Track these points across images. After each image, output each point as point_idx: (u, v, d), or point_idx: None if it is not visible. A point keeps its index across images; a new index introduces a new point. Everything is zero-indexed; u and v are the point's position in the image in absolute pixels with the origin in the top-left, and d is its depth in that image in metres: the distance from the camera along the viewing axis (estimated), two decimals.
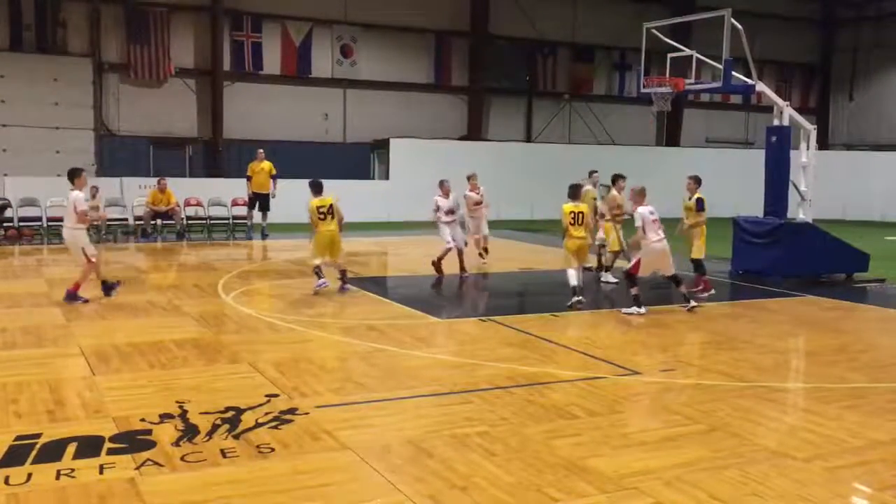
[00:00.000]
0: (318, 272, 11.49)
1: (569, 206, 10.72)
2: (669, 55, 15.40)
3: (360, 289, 12.15)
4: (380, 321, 9.70)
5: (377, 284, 13.18)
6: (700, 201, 11.76)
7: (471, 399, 6.59)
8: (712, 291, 11.78)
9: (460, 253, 13.30)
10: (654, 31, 14.96)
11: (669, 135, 32.09)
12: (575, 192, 10.93)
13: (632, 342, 8.92)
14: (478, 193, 14.53)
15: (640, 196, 10.52)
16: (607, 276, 12.95)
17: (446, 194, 13.33)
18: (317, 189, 11.64)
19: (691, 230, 11.85)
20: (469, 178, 14.71)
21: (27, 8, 23.02)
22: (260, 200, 19.67)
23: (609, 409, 6.41)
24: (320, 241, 11.46)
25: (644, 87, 15.23)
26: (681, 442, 5.67)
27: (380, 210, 24.67)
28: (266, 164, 19.69)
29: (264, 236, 19.38)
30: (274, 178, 19.61)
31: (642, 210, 10.34)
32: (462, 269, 13.31)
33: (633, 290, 10.33)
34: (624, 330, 9.64)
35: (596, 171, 14.04)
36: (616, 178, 13.08)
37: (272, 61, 26.28)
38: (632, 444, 5.60)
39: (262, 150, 20.15)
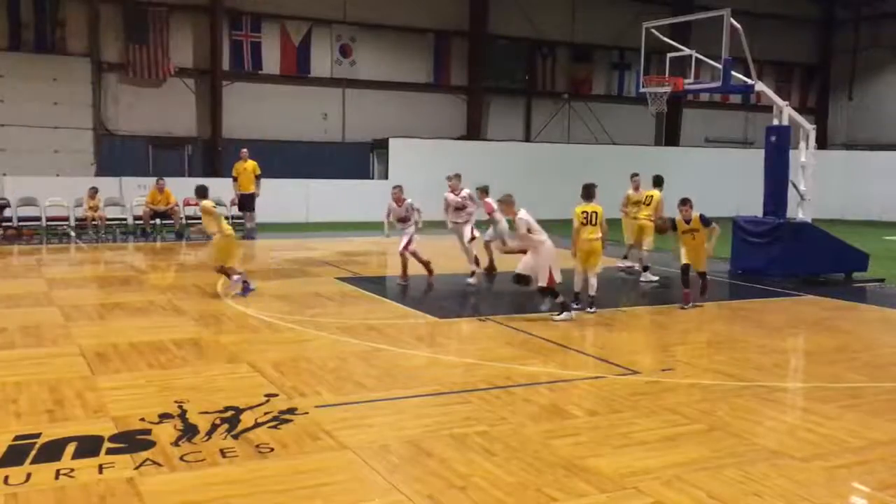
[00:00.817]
0: (243, 279, 11.23)
1: (580, 207, 10.29)
2: (669, 55, 15.43)
3: (358, 288, 12.16)
4: (379, 321, 9.70)
5: (376, 284, 13.19)
6: (704, 216, 11.15)
7: (470, 399, 6.59)
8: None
9: (411, 257, 12.66)
10: (653, 30, 14.97)
11: (669, 134, 32.11)
12: (589, 193, 10.51)
13: (631, 342, 8.92)
14: (458, 196, 12.91)
15: (510, 205, 10.14)
16: (647, 275, 13.24)
17: (396, 201, 12.56)
18: (205, 193, 11.63)
19: (694, 245, 11.20)
20: (448, 179, 13.13)
21: (26, 7, 23.03)
22: (244, 201, 19.38)
23: (608, 409, 6.41)
24: (234, 243, 11.40)
25: (643, 86, 15.26)
26: (680, 441, 5.67)
27: (379, 210, 24.63)
28: (250, 164, 19.38)
29: (251, 238, 19.15)
30: (258, 177, 19.36)
31: (523, 214, 9.90)
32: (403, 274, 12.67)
33: (558, 300, 9.88)
34: (623, 329, 9.64)
35: (637, 174, 14.27)
36: (661, 180, 13.74)
37: (271, 61, 26.29)
38: (631, 444, 5.60)
39: (245, 150, 19.90)
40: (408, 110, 28.03)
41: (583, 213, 10.35)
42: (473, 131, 28.94)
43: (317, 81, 26.98)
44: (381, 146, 26.67)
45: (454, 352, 8.26)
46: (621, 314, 10.48)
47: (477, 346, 8.55)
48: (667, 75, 15.20)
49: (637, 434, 5.81)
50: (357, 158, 27.22)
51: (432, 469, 5.08)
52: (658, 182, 13.73)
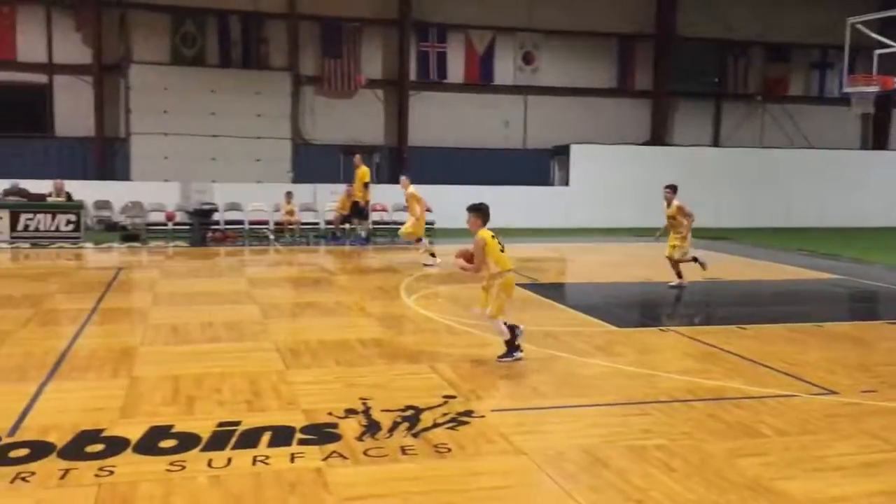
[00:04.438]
0: None
1: (489, 232, 8.45)
2: (876, 52, 14.34)
3: (537, 295, 12.16)
4: (556, 328, 9.66)
5: (555, 291, 13.12)
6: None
7: (649, 411, 6.41)
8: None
9: None
10: (859, 26, 13.96)
11: (876, 137, 29.69)
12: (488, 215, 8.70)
13: (828, 359, 8.32)
14: None
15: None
16: None
17: None
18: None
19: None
20: None
21: (234, 26, 25.03)
22: None
23: (801, 430, 6.02)
24: None
25: (847, 86, 14.26)
26: (882, 469, 5.23)
27: (559, 216, 24.59)
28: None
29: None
30: None
31: None
32: None
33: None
34: (818, 346, 9.01)
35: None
36: None
37: (456, 70, 26.92)
38: (826, 469, 5.23)
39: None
40: (590, 116, 27.76)
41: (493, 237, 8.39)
42: (658, 136, 28.18)
43: (499, 89, 27.32)
44: (561, 152, 26.57)
45: (633, 362, 8.07)
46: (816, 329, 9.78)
47: (657, 357, 8.31)
48: (874, 73, 14.12)
49: (832, 458, 5.41)
50: (537, 165, 27.27)
51: (608, 480, 4.99)
52: None
